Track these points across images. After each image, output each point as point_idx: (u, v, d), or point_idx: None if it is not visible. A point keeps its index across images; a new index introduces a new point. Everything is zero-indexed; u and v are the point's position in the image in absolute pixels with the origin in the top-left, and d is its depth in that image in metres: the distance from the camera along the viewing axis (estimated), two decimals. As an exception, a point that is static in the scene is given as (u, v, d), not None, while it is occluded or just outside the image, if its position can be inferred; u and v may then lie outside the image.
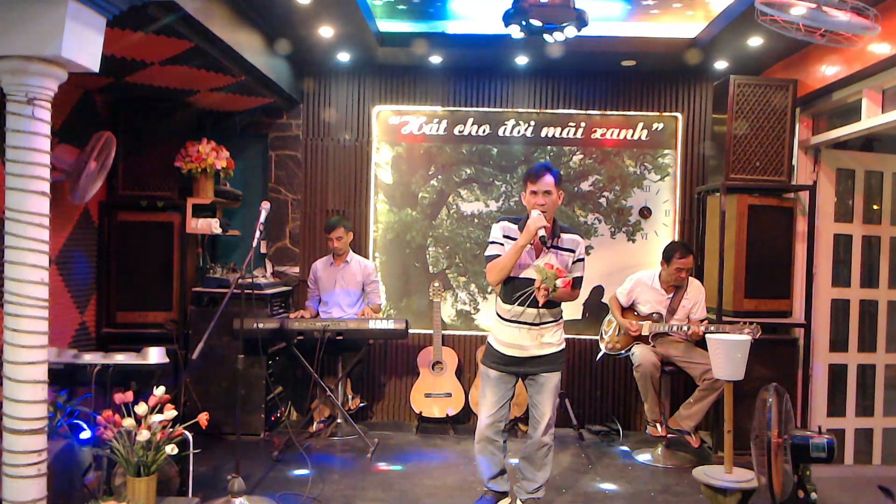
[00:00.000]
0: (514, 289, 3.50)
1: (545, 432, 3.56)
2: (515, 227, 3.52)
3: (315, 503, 3.85)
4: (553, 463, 3.70)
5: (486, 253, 3.60)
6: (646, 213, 5.60)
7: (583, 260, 3.61)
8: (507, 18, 3.55)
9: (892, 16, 3.62)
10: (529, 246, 3.48)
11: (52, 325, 2.76)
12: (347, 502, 3.88)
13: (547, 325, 3.53)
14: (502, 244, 3.52)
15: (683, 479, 4.34)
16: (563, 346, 3.63)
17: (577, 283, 3.58)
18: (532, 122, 5.64)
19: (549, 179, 3.48)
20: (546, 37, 3.57)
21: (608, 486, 4.24)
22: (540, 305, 3.45)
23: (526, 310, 3.48)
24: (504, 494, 3.72)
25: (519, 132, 5.65)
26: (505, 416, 3.61)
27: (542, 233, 3.38)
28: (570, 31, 3.51)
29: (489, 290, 5.63)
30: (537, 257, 3.51)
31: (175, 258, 5.00)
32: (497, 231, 3.57)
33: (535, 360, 3.54)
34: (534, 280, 3.44)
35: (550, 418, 3.56)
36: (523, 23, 3.50)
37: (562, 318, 3.63)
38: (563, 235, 3.56)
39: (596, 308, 5.56)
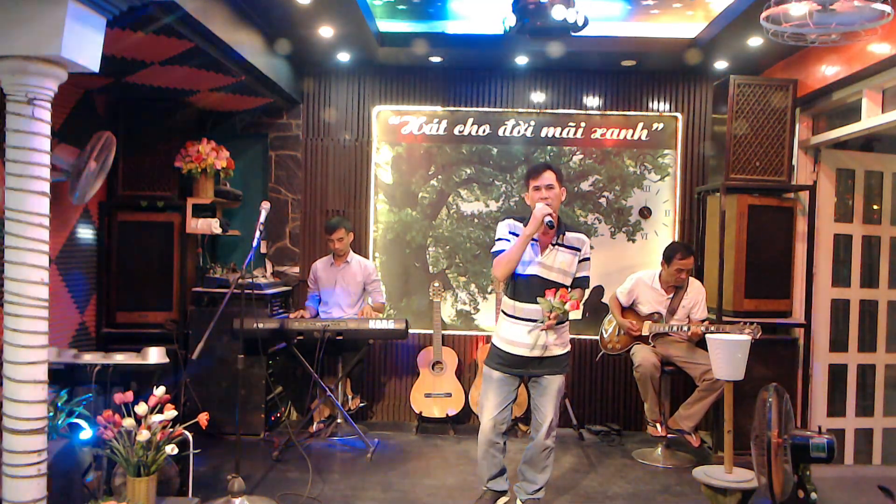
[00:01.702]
0: (518, 286, 3.52)
1: (547, 435, 3.56)
2: (521, 224, 3.52)
3: (315, 503, 3.85)
4: (553, 464, 3.70)
5: (493, 250, 3.60)
6: (646, 213, 5.60)
7: (588, 259, 3.61)
8: (515, 24, 3.54)
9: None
10: (534, 242, 3.48)
11: (52, 325, 2.76)
12: (347, 502, 3.88)
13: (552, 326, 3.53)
14: (508, 240, 3.52)
15: (683, 479, 4.34)
16: (569, 348, 3.64)
17: (584, 283, 3.60)
18: (532, 122, 5.64)
19: (550, 174, 3.50)
20: (547, 37, 3.57)
21: (608, 486, 4.24)
22: (545, 329, 3.47)
23: (531, 306, 3.49)
24: (503, 493, 3.72)
25: (519, 132, 5.65)
26: (507, 419, 3.61)
27: (548, 219, 3.38)
28: (576, 19, 3.49)
29: (489, 289, 5.63)
30: (542, 253, 3.51)
31: (175, 258, 5.00)
32: (503, 228, 3.58)
33: (539, 361, 3.54)
34: (539, 276, 3.47)
35: (552, 421, 3.56)
36: (524, 20, 3.49)
37: (567, 319, 3.63)
38: (568, 234, 3.56)
39: (596, 308, 5.56)
